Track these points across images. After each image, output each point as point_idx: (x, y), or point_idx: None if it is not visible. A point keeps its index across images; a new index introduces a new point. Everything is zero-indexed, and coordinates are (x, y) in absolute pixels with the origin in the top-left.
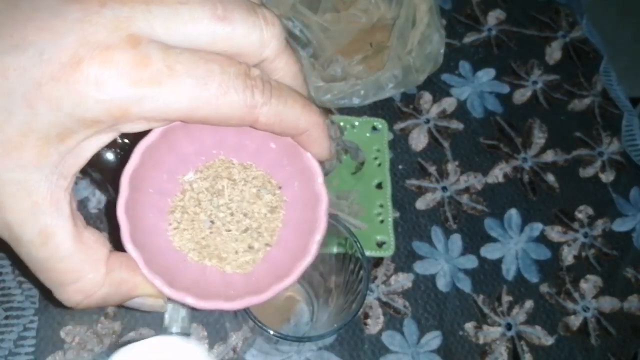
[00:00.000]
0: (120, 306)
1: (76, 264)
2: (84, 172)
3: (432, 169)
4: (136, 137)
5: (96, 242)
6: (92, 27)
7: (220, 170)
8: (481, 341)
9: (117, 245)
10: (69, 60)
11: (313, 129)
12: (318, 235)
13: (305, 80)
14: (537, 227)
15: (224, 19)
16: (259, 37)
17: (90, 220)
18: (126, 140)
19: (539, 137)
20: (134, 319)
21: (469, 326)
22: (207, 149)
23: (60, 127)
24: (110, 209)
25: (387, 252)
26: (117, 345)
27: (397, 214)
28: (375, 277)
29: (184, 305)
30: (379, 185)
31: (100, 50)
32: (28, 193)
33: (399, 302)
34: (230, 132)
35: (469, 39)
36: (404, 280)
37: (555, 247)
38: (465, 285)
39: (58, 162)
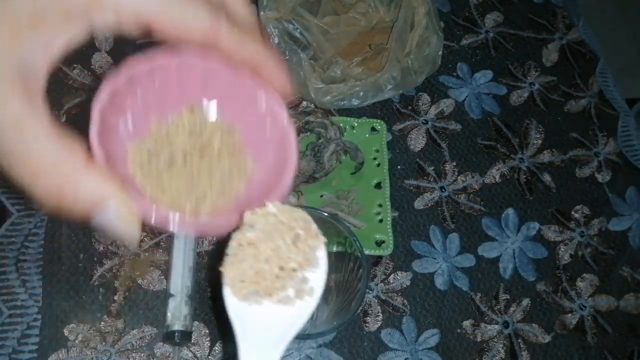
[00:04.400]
0: (88, 228)
1: (52, 152)
2: None
3: (430, 169)
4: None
5: (74, 140)
6: None
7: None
8: (479, 339)
9: None
10: None
11: (271, 62)
12: (290, 169)
13: (259, 34)
14: (533, 227)
15: None
16: None
17: None
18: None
19: (536, 138)
20: (137, 317)
21: (467, 324)
22: (172, 99)
23: (33, 13)
24: None
25: (386, 251)
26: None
27: (396, 214)
28: (375, 276)
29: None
30: (378, 185)
31: None
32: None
33: (398, 300)
34: (194, 82)
35: (466, 41)
36: (402, 279)
37: (551, 246)
38: (463, 283)
39: (28, 54)
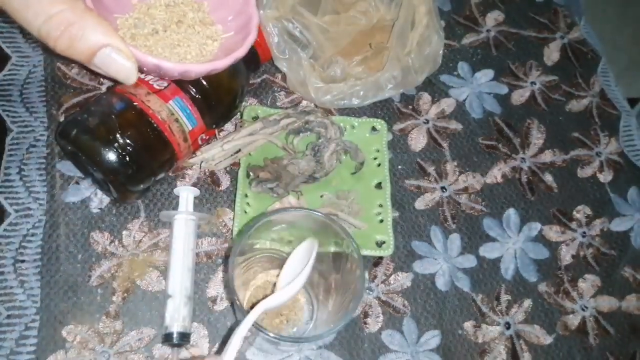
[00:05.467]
0: (89, 70)
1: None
2: (87, 172)
3: (431, 169)
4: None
5: None
6: None
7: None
8: (480, 340)
9: None
10: None
11: None
12: (254, 25)
13: None
14: (535, 227)
15: None
16: None
17: (92, 220)
18: (128, 141)
19: (537, 138)
20: (135, 318)
21: (468, 325)
22: None
23: None
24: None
25: (387, 251)
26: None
27: (397, 214)
28: (375, 277)
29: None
30: (379, 185)
31: None
32: None
33: (399, 301)
34: None
35: (467, 40)
36: (403, 280)
37: (553, 247)
38: (464, 284)
39: None
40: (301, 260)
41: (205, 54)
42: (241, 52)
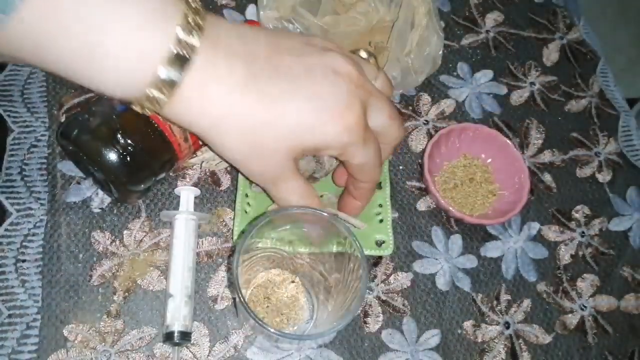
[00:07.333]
0: None
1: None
2: (88, 172)
3: None
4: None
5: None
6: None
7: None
8: (479, 339)
9: None
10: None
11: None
12: (525, 191)
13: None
14: (534, 227)
15: None
16: None
17: (93, 220)
18: (129, 141)
19: (537, 138)
20: (136, 317)
21: (468, 324)
22: (455, 149)
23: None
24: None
25: (386, 251)
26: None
27: (396, 214)
28: (375, 276)
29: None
30: (378, 185)
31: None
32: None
33: (398, 301)
34: (469, 139)
35: (467, 40)
36: (403, 279)
37: (552, 247)
38: (465, 284)
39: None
40: None
41: (487, 204)
42: (515, 211)
